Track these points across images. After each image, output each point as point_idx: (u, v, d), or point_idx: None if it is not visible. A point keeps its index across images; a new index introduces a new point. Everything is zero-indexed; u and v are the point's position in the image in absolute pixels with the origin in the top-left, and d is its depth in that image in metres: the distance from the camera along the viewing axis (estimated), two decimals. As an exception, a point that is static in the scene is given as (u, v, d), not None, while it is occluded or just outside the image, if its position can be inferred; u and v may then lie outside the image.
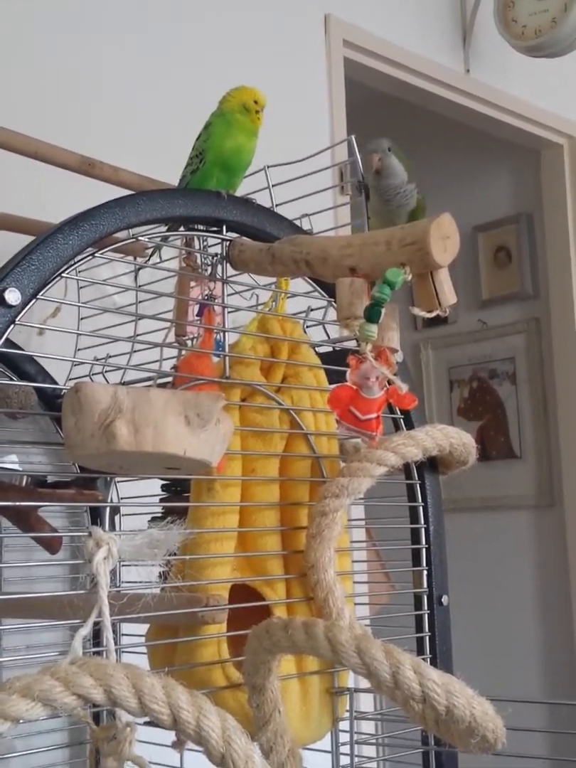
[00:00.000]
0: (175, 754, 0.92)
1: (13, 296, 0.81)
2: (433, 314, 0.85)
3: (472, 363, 3.29)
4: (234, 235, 1.02)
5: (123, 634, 1.22)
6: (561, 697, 2.90)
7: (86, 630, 0.76)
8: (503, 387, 3.22)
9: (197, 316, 1.12)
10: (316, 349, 1.12)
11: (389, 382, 0.90)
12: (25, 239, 0.92)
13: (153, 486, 1.17)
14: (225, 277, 1.02)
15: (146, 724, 0.74)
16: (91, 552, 0.78)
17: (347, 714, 1.04)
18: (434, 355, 3.37)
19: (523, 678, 3.00)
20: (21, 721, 0.65)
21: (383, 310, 0.84)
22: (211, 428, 0.81)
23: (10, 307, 0.80)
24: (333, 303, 1.09)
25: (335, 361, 1.09)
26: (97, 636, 0.83)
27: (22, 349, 1.29)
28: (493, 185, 3.25)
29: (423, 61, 2.41)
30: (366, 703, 1.84)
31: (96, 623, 0.77)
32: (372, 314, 0.83)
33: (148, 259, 1.15)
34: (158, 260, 1.15)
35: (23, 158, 1.16)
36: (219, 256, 1.02)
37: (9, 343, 0.82)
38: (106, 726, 0.74)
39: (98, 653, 0.79)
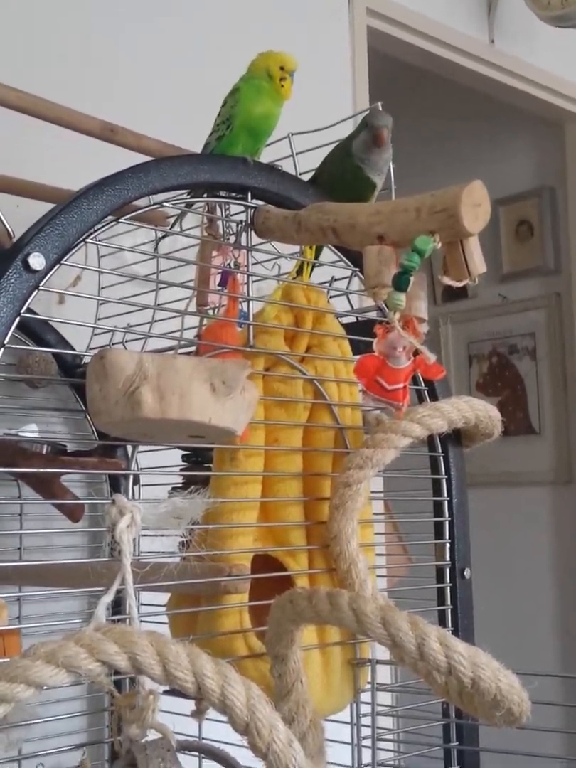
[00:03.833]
0: (191, 723, 0.92)
1: (37, 261, 0.79)
2: (463, 283, 0.84)
3: (492, 338, 3.26)
4: (259, 202, 1.01)
5: (141, 604, 1.21)
6: (577, 671, 2.90)
7: (109, 597, 0.75)
8: (523, 362, 3.19)
9: (219, 285, 1.11)
10: (340, 318, 1.11)
11: (416, 352, 0.89)
12: (43, 206, 0.91)
13: (172, 456, 1.16)
14: (249, 245, 1.01)
15: (164, 692, 0.73)
16: (115, 520, 0.78)
17: (368, 685, 1.04)
18: (453, 330, 3.34)
19: (540, 652, 3.00)
20: (45, 687, 0.65)
21: (412, 279, 0.82)
22: (237, 396, 0.80)
23: (34, 272, 0.79)
24: (358, 272, 1.07)
25: (359, 331, 1.08)
26: (116, 605, 0.82)
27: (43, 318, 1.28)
28: (516, 158, 3.21)
29: (447, 30, 2.37)
30: (383, 674, 1.83)
31: (117, 592, 0.76)
32: (400, 282, 0.82)
33: (173, 225, 1.14)
34: (180, 229, 1.13)
35: (44, 123, 1.15)
36: (244, 223, 1.00)
37: (29, 311, 0.80)
38: (128, 694, 0.74)
39: (119, 621, 0.79)
